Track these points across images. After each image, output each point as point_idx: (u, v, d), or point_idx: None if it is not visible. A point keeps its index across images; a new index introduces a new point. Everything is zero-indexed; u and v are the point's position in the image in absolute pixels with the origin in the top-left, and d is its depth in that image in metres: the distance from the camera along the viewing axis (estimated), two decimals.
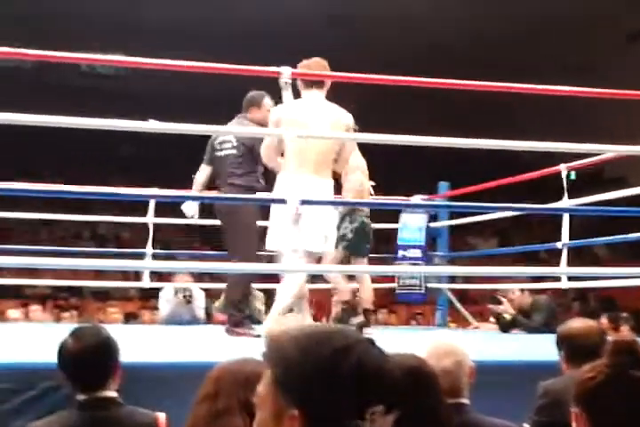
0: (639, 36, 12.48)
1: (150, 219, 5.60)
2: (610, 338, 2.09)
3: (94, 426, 2.12)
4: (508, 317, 5.65)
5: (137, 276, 6.93)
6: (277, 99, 4.08)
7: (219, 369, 1.83)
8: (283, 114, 3.90)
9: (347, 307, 4.83)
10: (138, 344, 3.39)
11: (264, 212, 4.30)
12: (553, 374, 2.56)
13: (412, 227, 6.20)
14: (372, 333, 4.27)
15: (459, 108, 13.11)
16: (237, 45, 11.17)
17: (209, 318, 6.17)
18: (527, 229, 13.72)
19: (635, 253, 11.17)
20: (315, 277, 5.14)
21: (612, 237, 5.74)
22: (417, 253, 6.10)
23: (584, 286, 5.71)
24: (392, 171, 12.38)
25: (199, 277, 6.92)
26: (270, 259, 4.32)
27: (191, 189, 4.81)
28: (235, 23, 12.03)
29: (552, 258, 6.24)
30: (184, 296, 6.01)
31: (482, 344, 4.13)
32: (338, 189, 4.21)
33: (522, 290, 5.76)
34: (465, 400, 2.08)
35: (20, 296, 9.43)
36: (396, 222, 6.30)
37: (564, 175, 4.99)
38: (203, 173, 4.71)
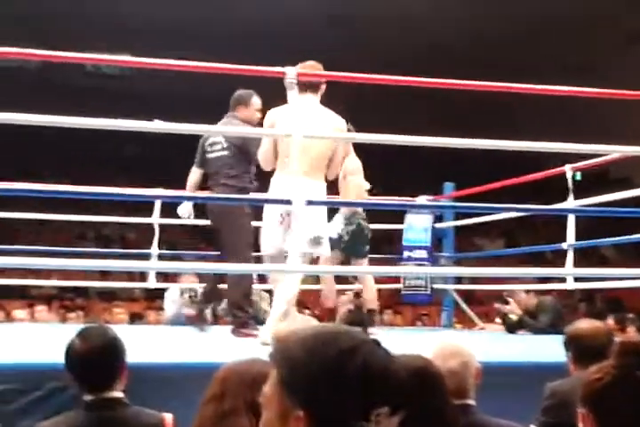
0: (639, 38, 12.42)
1: (156, 219, 5.61)
2: (617, 339, 2.09)
3: None
4: (514, 317, 5.64)
5: (142, 276, 6.94)
6: (266, 98, 4.08)
7: (225, 370, 1.83)
8: (277, 117, 3.92)
9: (354, 309, 4.86)
10: (144, 345, 3.39)
11: (255, 214, 4.33)
12: (560, 375, 2.55)
13: (417, 228, 6.20)
14: (377, 333, 4.27)
15: (459, 109, 13.09)
16: (237, 45, 11.17)
17: (215, 319, 6.17)
18: (533, 230, 13.69)
19: None
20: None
21: (618, 238, 5.74)
22: (423, 253, 6.10)
23: (590, 286, 5.70)
24: (393, 171, 12.39)
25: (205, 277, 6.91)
26: (259, 260, 4.32)
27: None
28: (235, 23, 12.02)
29: (558, 259, 6.22)
30: (190, 297, 6.01)
31: (488, 345, 4.12)
32: (330, 191, 4.21)
33: (527, 291, 5.75)
34: (471, 401, 2.08)
35: (26, 297, 9.43)
36: (401, 223, 6.30)
37: (568, 176, 4.98)
38: (194, 175, 4.73)
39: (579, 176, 4.93)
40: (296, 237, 3.71)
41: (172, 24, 11.98)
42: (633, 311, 6.95)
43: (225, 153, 4.51)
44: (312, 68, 3.95)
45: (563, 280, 4.95)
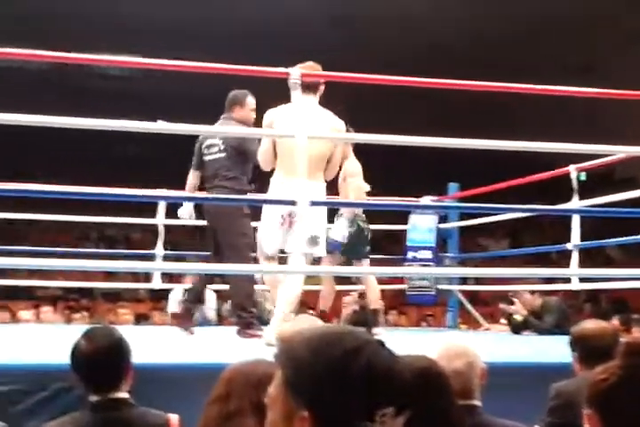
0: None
1: (161, 220, 5.62)
2: (623, 339, 2.09)
3: None
4: (519, 318, 5.64)
5: (147, 277, 6.95)
6: (260, 99, 4.07)
7: (231, 370, 1.83)
8: (275, 118, 3.92)
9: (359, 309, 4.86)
10: (149, 345, 3.40)
11: (253, 215, 4.34)
12: (565, 376, 2.55)
13: (421, 228, 6.20)
14: (381, 334, 4.27)
15: (459, 109, 13.07)
16: (237, 45, 11.15)
17: (220, 320, 6.18)
18: (538, 231, 13.67)
19: None
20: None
21: (623, 239, 5.72)
22: (427, 254, 6.10)
23: (596, 287, 5.69)
24: (393, 172, 12.38)
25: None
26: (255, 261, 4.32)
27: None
28: (235, 23, 12.01)
29: (563, 259, 6.21)
30: None
31: (493, 346, 4.12)
32: (329, 192, 4.21)
33: (532, 292, 5.74)
34: (476, 402, 2.08)
35: (32, 298, 9.44)
36: (405, 224, 6.30)
37: (573, 176, 4.98)
38: (192, 178, 4.70)
39: (583, 176, 4.92)
40: (299, 238, 3.71)
41: (171, 24, 11.98)
42: (638, 312, 6.92)
43: (222, 155, 4.50)
44: (311, 68, 3.94)
45: (568, 281, 4.94)
